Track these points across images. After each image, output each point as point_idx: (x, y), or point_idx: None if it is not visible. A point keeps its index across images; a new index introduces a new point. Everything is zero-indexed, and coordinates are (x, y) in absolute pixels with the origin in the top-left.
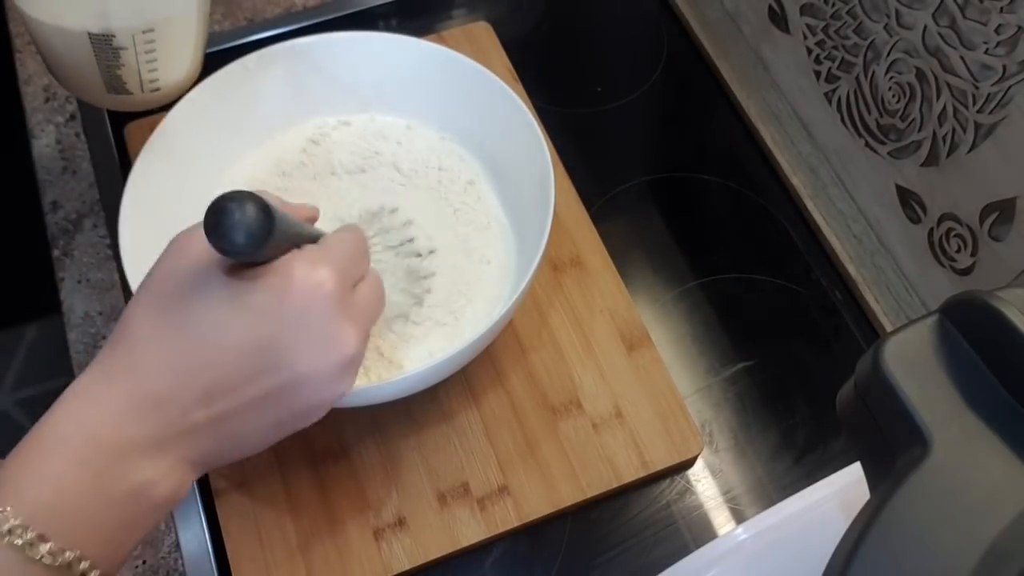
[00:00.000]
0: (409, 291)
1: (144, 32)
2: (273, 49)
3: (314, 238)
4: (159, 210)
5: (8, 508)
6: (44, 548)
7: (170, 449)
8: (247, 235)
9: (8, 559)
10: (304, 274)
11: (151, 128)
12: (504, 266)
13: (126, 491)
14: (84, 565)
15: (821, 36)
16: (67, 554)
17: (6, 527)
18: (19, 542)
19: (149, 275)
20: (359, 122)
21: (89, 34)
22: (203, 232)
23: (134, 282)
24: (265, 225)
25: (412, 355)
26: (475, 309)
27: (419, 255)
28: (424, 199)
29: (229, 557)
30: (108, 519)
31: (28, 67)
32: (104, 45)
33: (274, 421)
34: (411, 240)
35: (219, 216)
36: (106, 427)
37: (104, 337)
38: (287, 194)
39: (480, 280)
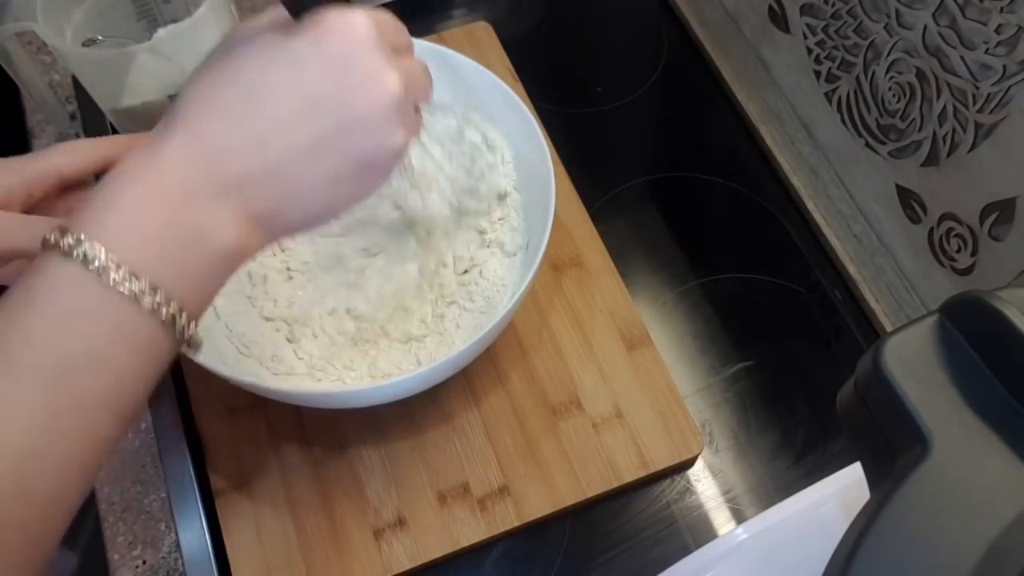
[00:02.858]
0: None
1: None
2: None
3: None
4: None
5: (98, 246)
6: (137, 286)
7: (230, 198)
8: None
9: (101, 300)
10: (337, 17)
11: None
12: (504, 266)
13: (195, 230)
14: (174, 307)
15: (821, 36)
16: (159, 294)
17: (96, 265)
18: (114, 278)
19: None
20: None
21: (169, 96)
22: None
23: None
24: None
25: (412, 356)
26: (475, 309)
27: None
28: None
29: (229, 557)
30: (184, 258)
31: None
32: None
33: (332, 175)
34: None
35: None
36: (169, 173)
37: None
38: None
39: (480, 279)
